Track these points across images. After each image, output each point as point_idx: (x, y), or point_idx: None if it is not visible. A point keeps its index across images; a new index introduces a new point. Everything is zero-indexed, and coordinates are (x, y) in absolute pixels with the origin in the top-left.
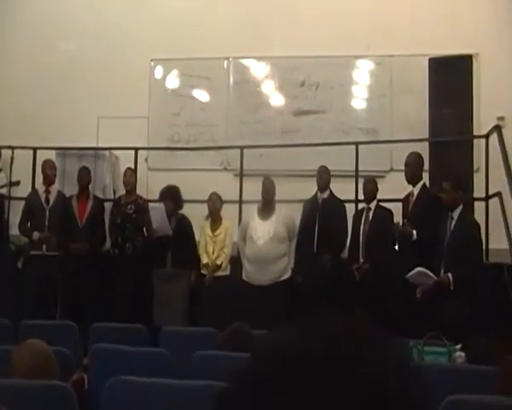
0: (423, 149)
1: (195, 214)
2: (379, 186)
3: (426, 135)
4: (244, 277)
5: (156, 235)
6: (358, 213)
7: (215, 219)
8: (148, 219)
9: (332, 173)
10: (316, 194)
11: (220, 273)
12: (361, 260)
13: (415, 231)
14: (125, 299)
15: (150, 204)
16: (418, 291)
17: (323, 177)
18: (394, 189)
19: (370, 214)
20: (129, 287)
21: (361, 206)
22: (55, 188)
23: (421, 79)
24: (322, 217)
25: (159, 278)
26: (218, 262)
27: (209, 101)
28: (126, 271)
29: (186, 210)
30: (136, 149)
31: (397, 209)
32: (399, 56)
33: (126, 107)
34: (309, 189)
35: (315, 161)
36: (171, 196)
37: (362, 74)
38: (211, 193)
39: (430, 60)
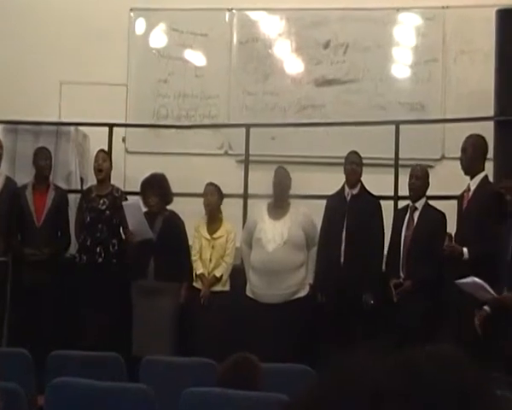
0: (487, 131)
1: (188, 212)
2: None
3: (490, 113)
4: (249, 293)
5: (134, 239)
6: (399, 215)
7: (213, 218)
8: (125, 218)
9: (365, 162)
10: (343, 188)
11: (219, 288)
12: (401, 275)
13: (465, 249)
14: (95, 320)
15: (125, 202)
16: (477, 317)
17: (353, 167)
18: (447, 183)
19: (416, 216)
20: (100, 304)
21: (402, 204)
22: (1, 173)
23: (485, 38)
24: (352, 218)
25: (139, 292)
26: (217, 273)
27: (206, 65)
28: (97, 283)
29: (176, 206)
30: (111, 126)
31: (451, 208)
32: (456, 8)
33: (98, 70)
34: (334, 181)
35: (343, 146)
36: (157, 187)
37: (406, 32)
38: (207, 184)
39: (498, 12)
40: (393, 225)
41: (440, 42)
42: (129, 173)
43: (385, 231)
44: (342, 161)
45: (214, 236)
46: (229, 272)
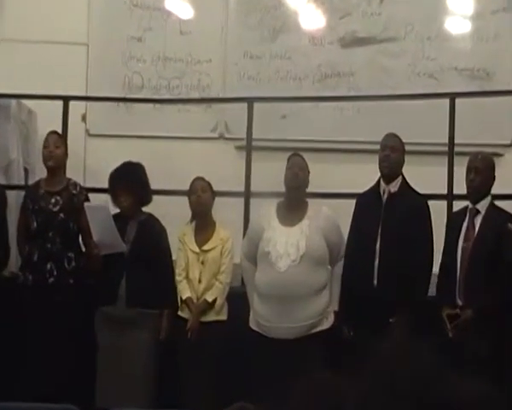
0: None
1: (171, 215)
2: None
3: None
4: (253, 324)
5: (100, 253)
6: (455, 220)
7: (203, 223)
8: (86, 224)
9: (408, 149)
10: (378, 185)
11: (212, 317)
12: (458, 302)
13: None
14: (46, 360)
15: (88, 203)
16: None
17: (391, 156)
18: None
19: (477, 222)
20: (52, 339)
21: (459, 205)
22: None
23: None
24: (389, 224)
25: (106, 324)
26: (209, 298)
27: (194, 18)
28: (47, 311)
29: (155, 208)
30: (67, 100)
31: None
32: None
33: (47, 24)
34: (366, 175)
35: (378, 128)
36: (130, 182)
37: None
38: (195, 179)
39: None
40: (447, 234)
41: None
42: (91, 163)
43: (434, 243)
44: (376, 148)
45: (204, 247)
46: (226, 295)
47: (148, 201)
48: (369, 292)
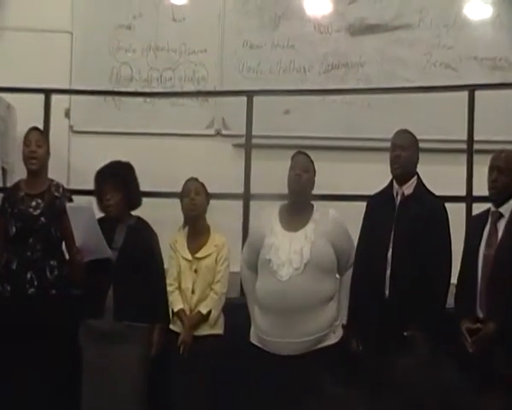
0: None
1: (163, 219)
2: None
3: None
4: (254, 339)
5: (83, 259)
6: (476, 224)
7: (197, 229)
8: (70, 229)
9: (422, 147)
10: (390, 186)
11: (207, 331)
12: (479, 314)
13: None
14: (25, 379)
15: (70, 204)
16: None
17: (402, 155)
18: None
19: (501, 227)
20: (32, 357)
21: (479, 208)
22: None
23: None
24: (402, 229)
25: (91, 339)
26: (203, 310)
27: (188, 3)
28: (27, 325)
29: (145, 211)
30: (49, 93)
31: None
32: None
33: (28, 10)
34: (378, 175)
35: (389, 124)
36: (117, 183)
37: None
38: (187, 180)
39: None
40: (466, 240)
41: None
42: (75, 163)
43: (453, 249)
44: (387, 145)
45: (198, 255)
46: (221, 307)
47: (137, 204)
48: (381, 303)
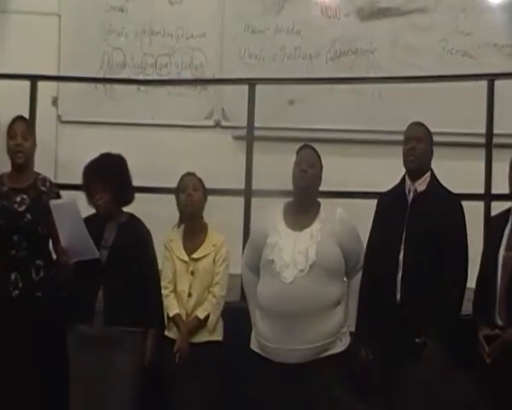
0: None
1: (157, 217)
2: None
3: None
4: (255, 346)
5: (70, 260)
6: (495, 225)
7: (193, 227)
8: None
9: (437, 140)
10: (402, 182)
11: (205, 337)
12: (498, 321)
13: None
14: (10, 387)
15: (53, 201)
16: None
17: (417, 148)
18: None
19: None
20: (17, 363)
21: (498, 207)
22: None
23: None
24: (415, 229)
25: (80, 345)
26: (201, 315)
27: None
28: (11, 330)
29: (139, 207)
30: (35, 79)
31: None
32: None
33: None
34: (389, 171)
35: (402, 115)
36: (108, 177)
37: None
38: (184, 175)
39: None
40: (485, 241)
41: None
42: (63, 155)
43: (470, 251)
44: (399, 138)
45: (195, 255)
46: (221, 311)
47: (129, 199)
48: (392, 309)
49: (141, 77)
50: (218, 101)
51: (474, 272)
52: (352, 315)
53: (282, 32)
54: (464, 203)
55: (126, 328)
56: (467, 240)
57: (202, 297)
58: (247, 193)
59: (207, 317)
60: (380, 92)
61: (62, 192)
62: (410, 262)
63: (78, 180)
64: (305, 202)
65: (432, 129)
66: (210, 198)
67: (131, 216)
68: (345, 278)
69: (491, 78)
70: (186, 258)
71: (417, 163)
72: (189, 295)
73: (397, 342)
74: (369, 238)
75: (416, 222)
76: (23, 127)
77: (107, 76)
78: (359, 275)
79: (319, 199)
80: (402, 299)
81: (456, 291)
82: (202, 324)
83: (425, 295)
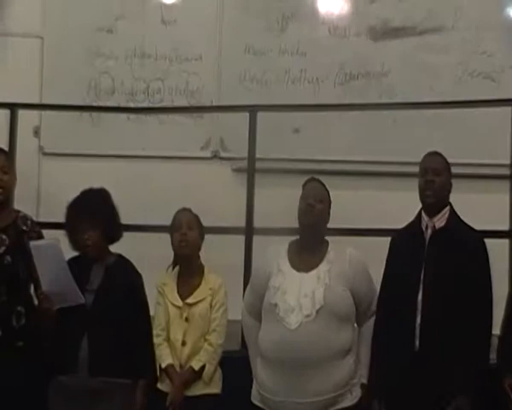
0: None
1: (148, 257)
2: None
3: None
4: (256, 399)
5: (52, 307)
6: None
7: (188, 269)
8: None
9: (457, 172)
10: (419, 218)
11: (200, 390)
12: None
13: None
14: None
15: (33, 242)
16: None
17: (436, 181)
18: None
19: None
20: None
21: None
22: None
23: None
24: (434, 269)
25: (63, 397)
26: (196, 365)
27: (180, 2)
28: None
29: (129, 248)
30: (14, 108)
31: None
32: None
33: None
34: (404, 206)
35: (418, 145)
36: (94, 214)
37: None
38: (178, 211)
39: None
40: (510, 282)
41: None
42: (46, 190)
43: (494, 293)
44: (415, 170)
45: (189, 300)
46: (218, 361)
47: (116, 237)
48: (410, 357)
49: (131, 104)
50: (215, 130)
51: (498, 316)
52: (363, 365)
53: (286, 53)
54: (488, 241)
55: (113, 379)
56: (491, 280)
57: (198, 346)
58: (248, 230)
59: (203, 368)
60: (394, 119)
61: (45, 232)
62: (430, 306)
63: (63, 218)
64: (311, 240)
65: (450, 160)
66: (207, 236)
67: (120, 257)
68: (355, 325)
69: None
70: (180, 303)
71: (435, 197)
72: (184, 343)
73: (415, 397)
74: (383, 280)
75: (435, 261)
76: (2, 160)
77: (93, 103)
78: (371, 321)
79: (327, 237)
80: (422, 346)
81: (484, 340)
82: (197, 375)
83: (447, 342)
